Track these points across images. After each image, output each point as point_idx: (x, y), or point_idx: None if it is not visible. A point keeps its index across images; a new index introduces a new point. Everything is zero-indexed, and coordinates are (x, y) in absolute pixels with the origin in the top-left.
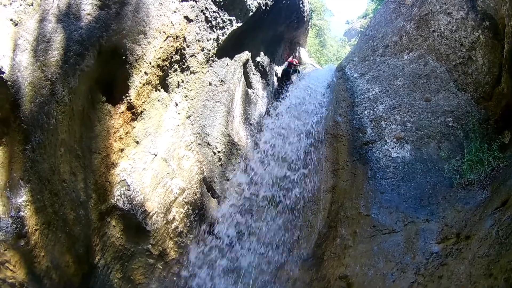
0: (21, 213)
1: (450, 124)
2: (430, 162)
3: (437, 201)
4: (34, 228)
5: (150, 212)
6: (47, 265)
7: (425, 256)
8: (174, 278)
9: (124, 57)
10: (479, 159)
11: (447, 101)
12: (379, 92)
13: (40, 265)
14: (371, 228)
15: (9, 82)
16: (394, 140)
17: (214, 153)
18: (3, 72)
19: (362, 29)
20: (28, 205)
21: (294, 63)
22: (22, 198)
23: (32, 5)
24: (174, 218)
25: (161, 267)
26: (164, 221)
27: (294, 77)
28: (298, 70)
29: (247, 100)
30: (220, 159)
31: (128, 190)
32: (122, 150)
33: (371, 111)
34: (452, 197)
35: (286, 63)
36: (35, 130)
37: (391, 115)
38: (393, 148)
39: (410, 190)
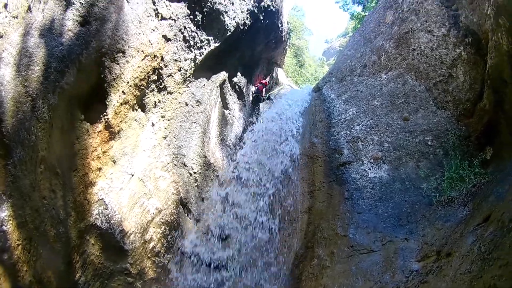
0: (4, 228)
1: (429, 143)
2: (408, 181)
3: (416, 219)
4: (16, 243)
5: (127, 232)
6: (30, 279)
7: (404, 275)
8: None
9: (102, 76)
10: (460, 176)
11: (426, 119)
12: (356, 112)
13: (23, 279)
14: (349, 248)
15: None
16: (371, 160)
17: (190, 174)
18: None
19: (341, 48)
20: (10, 220)
21: (264, 85)
22: (4, 212)
23: (17, 17)
24: (151, 238)
25: (140, 286)
26: (142, 241)
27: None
28: (269, 97)
29: (224, 121)
30: (196, 180)
31: (106, 209)
32: (99, 169)
33: (348, 132)
34: (431, 215)
35: (254, 88)
36: (16, 145)
37: (368, 136)
38: (370, 169)
39: (388, 210)
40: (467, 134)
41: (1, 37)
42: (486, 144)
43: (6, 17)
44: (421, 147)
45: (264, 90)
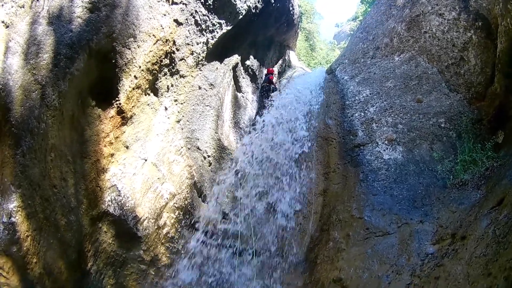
0: (13, 219)
1: (443, 125)
2: (422, 163)
3: (430, 202)
4: (26, 234)
5: (141, 218)
6: (40, 271)
7: (420, 258)
8: (167, 284)
9: (113, 61)
10: (473, 159)
11: (439, 102)
12: (370, 94)
13: (33, 271)
14: (364, 230)
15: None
16: (386, 142)
17: (204, 158)
18: None
19: (352, 32)
20: (19, 210)
21: (273, 79)
22: (13, 203)
23: (23, 7)
24: (165, 224)
25: (153, 273)
26: (155, 227)
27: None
28: (277, 88)
29: (237, 104)
30: (210, 164)
31: (119, 196)
32: (112, 155)
33: (362, 114)
34: (446, 197)
35: (265, 77)
36: (25, 134)
37: (382, 117)
38: (385, 150)
39: (403, 192)
40: (479, 118)
41: (8, 27)
42: (497, 128)
43: (12, 7)
44: (435, 129)
45: (274, 79)
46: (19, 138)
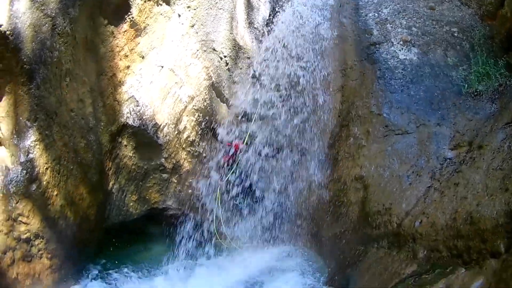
0: (30, 156)
1: (456, 34)
2: (437, 67)
3: (447, 106)
4: (45, 167)
5: (160, 125)
6: (61, 203)
7: (439, 161)
8: (189, 191)
9: None
10: (486, 72)
11: (452, 12)
12: None
13: (54, 206)
14: (384, 127)
15: (8, 32)
16: (401, 42)
17: (221, 58)
18: (0, 25)
19: None
20: (36, 144)
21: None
22: (30, 139)
23: None
24: (185, 128)
25: (175, 181)
26: (176, 132)
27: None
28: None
29: (250, 6)
30: (227, 64)
31: (137, 106)
32: (128, 67)
33: (376, 14)
34: (461, 104)
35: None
36: (38, 67)
37: (396, 19)
38: (400, 50)
39: (420, 93)
40: (492, 34)
41: None
42: (509, 49)
43: None
44: (448, 36)
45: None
46: (32, 72)
